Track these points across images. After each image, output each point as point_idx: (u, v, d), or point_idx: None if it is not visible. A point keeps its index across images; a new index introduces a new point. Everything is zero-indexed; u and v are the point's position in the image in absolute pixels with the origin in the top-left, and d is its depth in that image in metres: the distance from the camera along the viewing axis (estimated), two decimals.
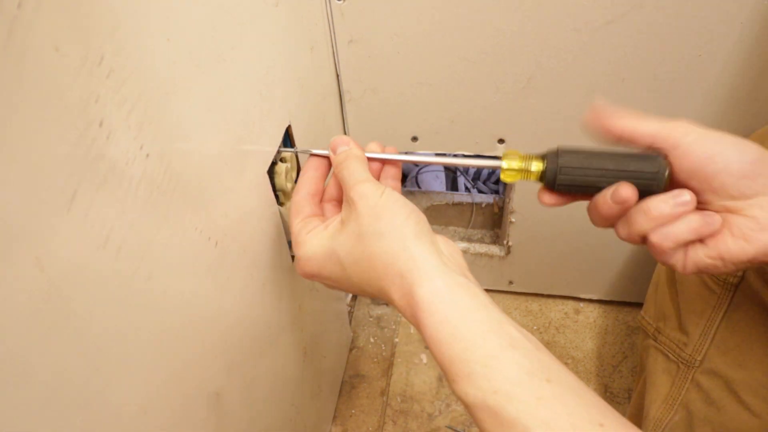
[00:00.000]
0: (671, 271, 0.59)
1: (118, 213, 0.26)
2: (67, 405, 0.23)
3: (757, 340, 0.49)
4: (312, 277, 0.38)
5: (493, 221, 0.97)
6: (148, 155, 0.28)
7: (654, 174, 0.35)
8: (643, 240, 0.37)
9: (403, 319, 0.96)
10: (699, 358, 0.54)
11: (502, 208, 0.95)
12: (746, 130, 0.64)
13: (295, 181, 0.52)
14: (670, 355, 0.57)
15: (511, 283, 0.96)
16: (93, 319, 0.24)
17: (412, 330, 0.94)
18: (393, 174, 0.42)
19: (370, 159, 0.41)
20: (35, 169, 0.20)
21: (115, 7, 0.24)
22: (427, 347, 0.29)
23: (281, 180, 0.48)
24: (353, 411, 0.84)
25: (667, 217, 0.35)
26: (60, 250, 0.22)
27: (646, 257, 0.85)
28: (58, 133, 0.21)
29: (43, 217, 0.21)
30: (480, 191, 1.13)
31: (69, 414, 0.23)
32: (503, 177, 0.39)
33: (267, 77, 0.43)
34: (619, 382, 0.85)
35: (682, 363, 0.56)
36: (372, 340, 0.93)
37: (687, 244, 0.36)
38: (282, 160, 0.49)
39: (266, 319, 0.48)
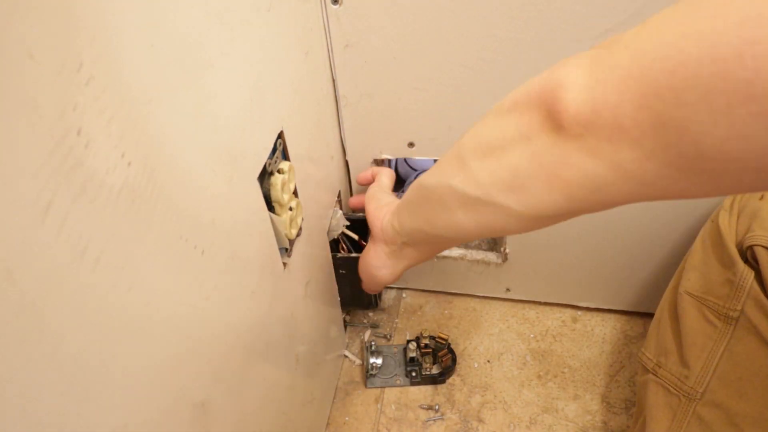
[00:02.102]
0: (673, 306, 0.61)
1: (97, 223, 0.25)
2: (38, 424, 0.23)
3: (758, 372, 0.50)
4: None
5: None
6: (130, 163, 0.27)
7: None
8: None
9: (399, 325, 0.95)
10: (701, 390, 0.54)
11: None
12: None
13: (293, 192, 0.52)
14: (671, 388, 0.58)
15: (508, 290, 0.95)
16: (68, 333, 0.24)
17: (408, 336, 0.93)
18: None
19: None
20: (6, 179, 0.20)
21: (95, 12, 0.24)
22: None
23: (277, 192, 0.48)
24: (347, 418, 0.83)
25: None
26: (33, 262, 0.22)
27: (645, 266, 0.84)
28: (31, 143, 0.21)
29: (14, 228, 0.20)
30: None
31: None
32: None
33: (258, 83, 0.42)
34: (617, 392, 0.85)
35: (683, 396, 0.56)
36: None
37: None
38: (279, 171, 0.49)
39: (256, 328, 0.48)
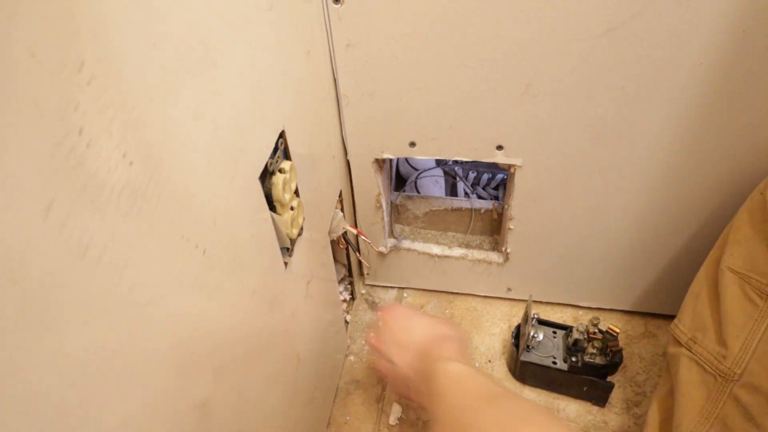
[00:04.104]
0: (713, 281, 0.59)
1: (99, 222, 0.25)
2: (39, 422, 0.23)
3: None
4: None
5: (492, 227, 0.97)
6: (131, 163, 0.27)
7: None
8: None
9: None
10: (738, 372, 0.53)
11: (501, 215, 0.94)
12: (748, 140, 0.64)
13: (294, 192, 0.52)
14: (706, 366, 0.57)
15: (509, 290, 0.95)
16: (70, 332, 0.24)
17: None
18: None
19: None
20: (7, 179, 0.20)
21: (97, 12, 0.24)
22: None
23: (278, 191, 0.48)
24: (348, 418, 0.83)
25: None
26: (35, 261, 0.21)
27: (646, 266, 0.84)
28: (33, 142, 0.21)
29: (16, 228, 0.20)
30: (479, 197, 1.12)
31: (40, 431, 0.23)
32: None
33: (260, 82, 0.42)
34: (618, 392, 0.84)
35: (719, 376, 0.55)
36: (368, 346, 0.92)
37: None
38: (280, 170, 0.49)
39: (257, 327, 0.48)
